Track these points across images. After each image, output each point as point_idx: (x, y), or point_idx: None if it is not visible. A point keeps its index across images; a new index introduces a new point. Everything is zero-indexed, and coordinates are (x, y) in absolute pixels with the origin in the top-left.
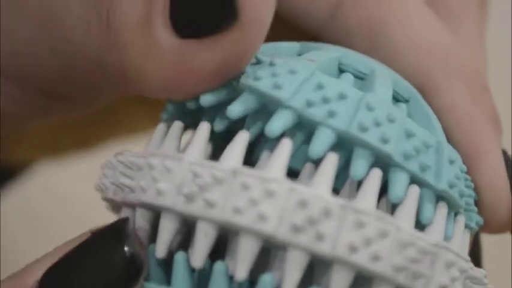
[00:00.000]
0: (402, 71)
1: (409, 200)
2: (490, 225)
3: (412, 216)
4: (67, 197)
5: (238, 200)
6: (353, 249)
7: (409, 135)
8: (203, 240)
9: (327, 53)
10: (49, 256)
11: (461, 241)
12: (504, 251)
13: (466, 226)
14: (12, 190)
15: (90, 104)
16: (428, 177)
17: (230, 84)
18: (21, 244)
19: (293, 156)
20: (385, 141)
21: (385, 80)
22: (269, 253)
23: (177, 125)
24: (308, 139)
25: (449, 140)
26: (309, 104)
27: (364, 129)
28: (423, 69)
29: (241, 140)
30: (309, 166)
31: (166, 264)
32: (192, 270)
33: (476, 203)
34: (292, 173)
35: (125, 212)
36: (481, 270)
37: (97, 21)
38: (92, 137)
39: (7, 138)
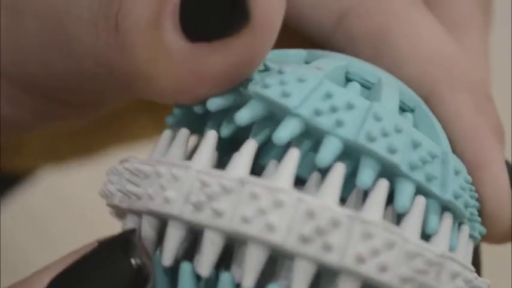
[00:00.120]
0: (407, 79)
1: (415, 211)
2: (492, 236)
3: (419, 227)
4: (68, 199)
5: (246, 210)
6: (361, 259)
7: (416, 145)
8: (210, 249)
9: (334, 62)
10: (55, 265)
11: (466, 251)
12: (504, 261)
13: (470, 236)
14: (14, 193)
15: (96, 109)
16: (434, 188)
17: (237, 90)
18: (22, 245)
19: (299, 164)
20: (392, 151)
21: (391, 89)
22: (276, 262)
23: (184, 132)
24: (315, 147)
25: (453, 149)
26: (317, 112)
27: (372, 139)
28: (427, 78)
29: (249, 148)
30: (315, 175)
31: (172, 270)
32: (198, 278)
33: (479, 213)
34: (298, 180)
35: (131, 219)
36: (485, 280)
37: (105, 24)
38: (94, 144)
39: (7, 146)
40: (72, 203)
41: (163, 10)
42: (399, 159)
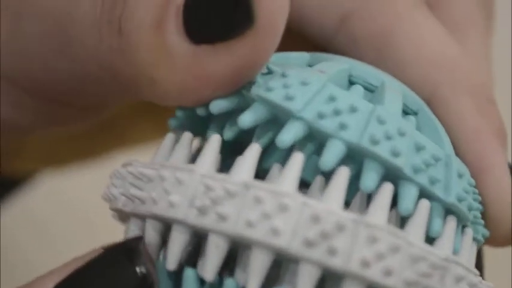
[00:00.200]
0: (409, 82)
1: (419, 214)
2: (495, 238)
3: (423, 231)
4: (69, 202)
5: (251, 214)
6: (365, 264)
7: (419, 148)
8: (215, 253)
9: (337, 65)
10: (59, 271)
11: (470, 254)
12: (505, 263)
13: (473, 239)
14: (15, 196)
15: (99, 112)
16: (438, 191)
17: (240, 92)
18: (23, 248)
19: (303, 167)
20: (396, 154)
21: (394, 92)
22: (280, 266)
23: (187, 135)
24: (318, 150)
25: (455, 152)
26: (321, 116)
27: (375, 142)
28: (430, 80)
29: (253, 152)
30: (319, 179)
31: (176, 275)
32: (201, 283)
33: (482, 216)
34: (301, 183)
35: (134, 223)
36: (489, 284)
37: (108, 28)
38: (95, 147)
39: (8, 149)
40: (73, 206)
41: (166, 13)
42: (403, 163)
